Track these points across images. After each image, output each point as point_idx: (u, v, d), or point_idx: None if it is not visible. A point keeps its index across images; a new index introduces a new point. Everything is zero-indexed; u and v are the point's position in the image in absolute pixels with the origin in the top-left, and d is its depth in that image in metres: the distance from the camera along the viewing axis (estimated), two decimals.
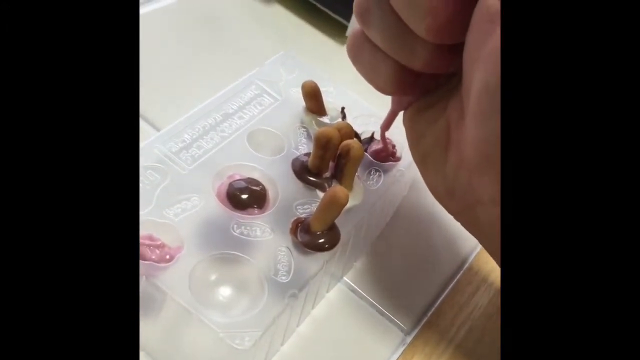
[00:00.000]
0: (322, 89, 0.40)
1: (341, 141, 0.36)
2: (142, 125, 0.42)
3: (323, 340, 0.36)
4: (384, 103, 0.37)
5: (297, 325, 0.36)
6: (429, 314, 0.39)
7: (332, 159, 0.37)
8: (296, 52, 0.44)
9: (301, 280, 0.33)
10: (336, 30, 0.53)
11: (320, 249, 0.34)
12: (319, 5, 0.52)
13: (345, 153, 0.36)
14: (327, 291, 0.38)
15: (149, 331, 0.32)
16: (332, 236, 0.35)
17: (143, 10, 0.49)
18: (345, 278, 0.39)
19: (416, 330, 0.38)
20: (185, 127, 0.36)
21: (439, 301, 0.40)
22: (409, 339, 0.38)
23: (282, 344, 0.35)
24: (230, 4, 0.53)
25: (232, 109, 0.38)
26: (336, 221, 0.35)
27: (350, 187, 0.37)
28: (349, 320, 0.37)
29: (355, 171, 0.37)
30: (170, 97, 0.44)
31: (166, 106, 0.43)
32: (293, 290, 0.32)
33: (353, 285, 0.39)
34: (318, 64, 0.43)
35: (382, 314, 0.38)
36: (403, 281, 0.40)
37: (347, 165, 0.36)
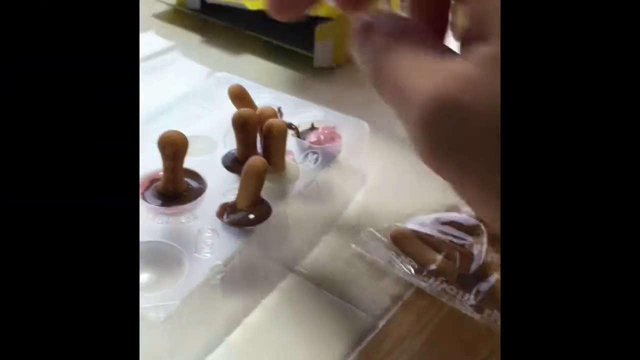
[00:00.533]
0: (258, 95, 0.40)
1: (264, 122, 0.36)
2: None
3: (278, 329, 0.33)
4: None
5: (245, 315, 0.33)
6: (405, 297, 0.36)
7: (255, 141, 0.36)
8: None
9: (226, 254, 0.31)
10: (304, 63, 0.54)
11: (245, 224, 0.33)
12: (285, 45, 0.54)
13: (268, 131, 0.35)
14: (279, 280, 0.35)
15: None
16: (260, 211, 0.33)
17: None
18: (301, 269, 0.36)
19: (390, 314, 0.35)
20: None
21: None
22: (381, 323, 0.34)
23: (226, 333, 0.32)
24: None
25: (159, 124, 0.39)
26: (269, 200, 0.34)
27: (282, 167, 0.36)
28: (309, 309, 0.35)
29: (283, 149, 0.36)
30: None
31: None
32: (216, 263, 0.30)
33: (310, 275, 0.36)
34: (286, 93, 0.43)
35: (348, 302, 0.35)
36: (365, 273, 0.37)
37: (272, 143, 0.35)
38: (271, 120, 0.35)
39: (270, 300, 0.34)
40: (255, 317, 0.33)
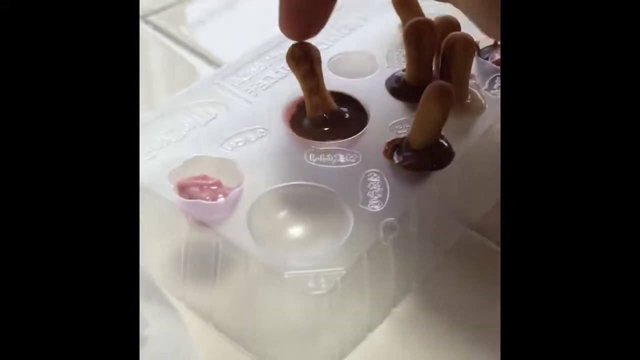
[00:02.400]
0: (425, 2, 0.32)
1: (443, 37, 0.28)
2: (201, 64, 0.36)
3: (453, 296, 0.26)
4: None
5: (416, 280, 0.26)
6: None
7: (431, 61, 0.28)
8: None
9: (400, 207, 0.24)
10: None
11: (423, 167, 0.25)
12: None
13: (449, 48, 0.27)
14: (456, 239, 0.28)
15: (213, 297, 0.25)
16: (440, 152, 0.26)
17: None
18: (483, 227, 0.29)
19: None
20: (251, 59, 0.30)
21: None
22: None
23: (393, 303, 0.26)
24: None
25: None
26: (450, 139, 0.26)
27: (464, 95, 0.28)
28: (492, 275, 0.27)
29: (468, 73, 0.28)
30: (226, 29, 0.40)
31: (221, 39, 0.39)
32: (389, 219, 0.24)
33: (494, 234, 0.29)
34: None
35: None
36: None
37: (455, 64, 0.27)
38: (454, 34, 0.27)
39: (445, 263, 0.27)
40: (426, 283, 0.27)
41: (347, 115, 0.27)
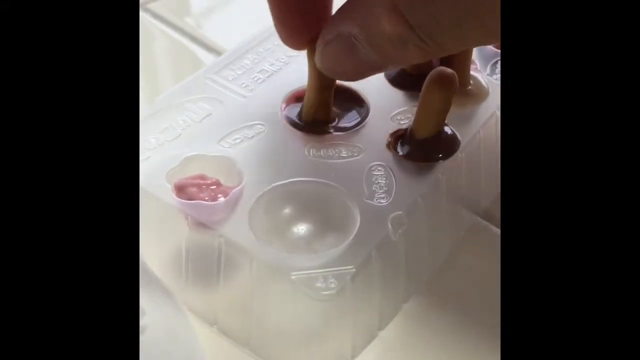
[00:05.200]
0: None
1: None
2: (198, 52, 0.35)
3: (466, 292, 0.26)
4: None
5: (427, 276, 0.26)
6: None
7: None
8: None
9: (407, 200, 0.23)
10: None
11: (429, 157, 0.25)
12: None
13: None
14: (466, 227, 0.27)
15: (217, 300, 0.24)
16: (446, 141, 0.25)
17: None
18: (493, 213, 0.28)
19: None
20: (246, 51, 0.29)
21: None
22: None
23: (404, 299, 0.25)
24: None
25: None
26: (454, 127, 0.26)
27: (466, 83, 0.27)
28: None
29: (469, 59, 0.27)
30: (231, 18, 0.38)
31: (227, 29, 0.37)
32: (397, 213, 0.23)
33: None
34: None
35: None
36: None
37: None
38: None
39: (456, 254, 0.26)
40: (437, 276, 0.26)
41: (344, 110, 0.27)
